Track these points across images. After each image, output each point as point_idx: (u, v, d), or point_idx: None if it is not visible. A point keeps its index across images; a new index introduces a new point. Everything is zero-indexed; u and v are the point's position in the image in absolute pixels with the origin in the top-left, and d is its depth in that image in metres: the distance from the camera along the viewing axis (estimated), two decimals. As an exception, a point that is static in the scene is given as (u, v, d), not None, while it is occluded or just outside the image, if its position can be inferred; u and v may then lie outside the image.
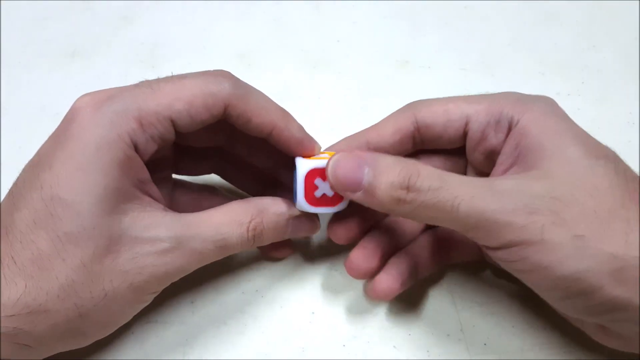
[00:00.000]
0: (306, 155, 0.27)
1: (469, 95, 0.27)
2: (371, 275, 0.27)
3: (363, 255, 0.27)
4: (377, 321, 0.29)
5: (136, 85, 0.24)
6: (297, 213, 0.27)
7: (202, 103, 0.24)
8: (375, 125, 0.28)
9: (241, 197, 0.28)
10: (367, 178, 0.23)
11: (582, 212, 0.21)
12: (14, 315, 0.21)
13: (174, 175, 0.30)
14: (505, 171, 0.25)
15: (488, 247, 0.23)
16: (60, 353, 0.24)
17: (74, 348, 0.24)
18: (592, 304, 0.22)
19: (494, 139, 0.26)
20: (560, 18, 0.43)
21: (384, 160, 0.24)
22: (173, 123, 0.24)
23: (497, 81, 0.39)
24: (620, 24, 0.42)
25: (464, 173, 0.29)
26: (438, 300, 0.29)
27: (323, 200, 0.26)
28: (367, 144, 0.27)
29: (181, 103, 0.24)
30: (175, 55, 0.41)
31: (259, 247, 0.31)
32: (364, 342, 0.28)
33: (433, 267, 0.29)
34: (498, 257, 0.23)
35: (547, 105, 0.25)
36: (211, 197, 0.30)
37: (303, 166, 0.25)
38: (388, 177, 0.23)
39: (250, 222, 0.25)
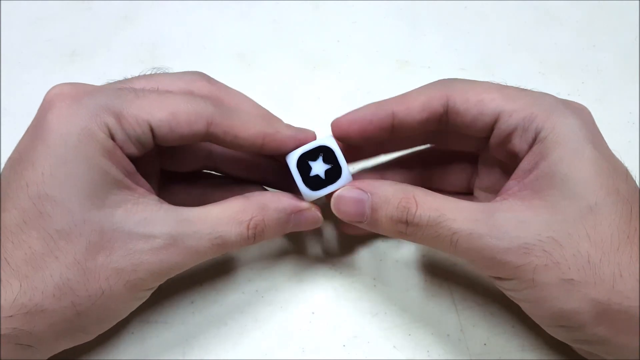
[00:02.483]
0: None
1: (505, 86, 0.26)
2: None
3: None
4: (377, 321, 0.29)
5: (120, 88, 0.24)
6: (299, 207, 0.26)
7: (185, 118, 0.24)
8: (404, 96, 0.27)
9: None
10: (368, 212, 0.25)
11: (575, 256, 0.22)
12: (12, 316, 0.21)
13: None
14: (517, 190, 0.24)
15: (487, 274, 0.25)
16: (61, 352, 0.24)
17: (75, 344, 0.24)
18: (575, 337, 0.23)
19: (517, 145, 0.25)
20: (560, 18, 0.43)
21: (383, 191, 0.25)
22: (152, 130, 0.24)
23: (497, 81, 0.39)
24: (620, 24, 0.42)
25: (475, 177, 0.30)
26: (438, 300, 0.29)
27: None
28: (392, 115, 0.26)
29: (163, 113, 0.24)
30: (175, 55, 0.41)
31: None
32: (364, 342, 0.28)
33: None
34: (495, 283, 0.24)
35: (580, 123, 0.24)
36: (205, 177, 0.30)
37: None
38: (387, 210, 0.24)
39: (250, 220, 0.25)
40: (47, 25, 0.43)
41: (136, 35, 0.42)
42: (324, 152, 0.26)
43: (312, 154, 0.26)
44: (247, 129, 0.25)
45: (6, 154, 0.37)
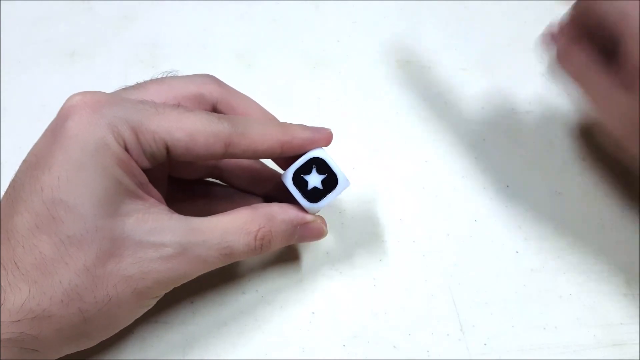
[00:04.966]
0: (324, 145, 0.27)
1: None
2: None
3: None
4: (377, 321, 0.29)
5: (141, 102, 0.24)
6: (305, 220, 0.27)
7: (202, 140, 0.24)
8: None
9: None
10: None
11: None
12: (19, 320, 0.21)
13: None
14: None
15: None
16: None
17: (79, 349, 0.24)
18: None
19: None
20: (560, 18, 0.43)
21: None
22: (167, 148, 0.24)
23: (497, 81, 0.39)
24: (620, 24, 0.42)
25: None
26: (438, 300, 0.29)
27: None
28: None
29: (181, 134, 0.24)
30: (175, 55, 0.41)
31: None
32: (364, 342, 0.28)
33: None
34: None
35: None
36: (208, 187, 0.30)
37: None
38: None
39: (258, 230, 0.25)
40: (47, 25, 0.43)
41: (136, 35, 0.42)
42: (317, 164, 0.26)
43: (305, 168, 0.26)
44: (265, 142, 0.25)
45: (6, 154, 0.37)
